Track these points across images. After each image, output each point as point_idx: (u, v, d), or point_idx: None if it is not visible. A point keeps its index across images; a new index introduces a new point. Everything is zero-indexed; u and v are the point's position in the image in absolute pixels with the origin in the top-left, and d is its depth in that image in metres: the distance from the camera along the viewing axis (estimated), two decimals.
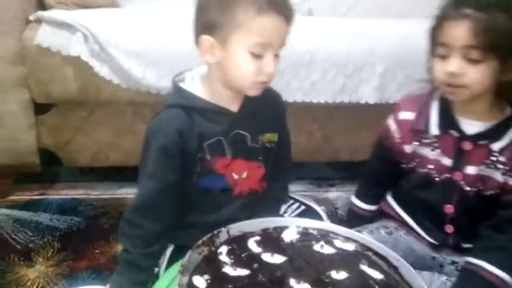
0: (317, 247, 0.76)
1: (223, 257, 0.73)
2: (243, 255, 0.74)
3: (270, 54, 0.81)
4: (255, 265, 0.71)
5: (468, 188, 0.93)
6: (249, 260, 0.73)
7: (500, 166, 0.91)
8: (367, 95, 1.32)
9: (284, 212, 0.98)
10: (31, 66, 1.25)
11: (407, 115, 0.99)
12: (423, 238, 0.99)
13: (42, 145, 1.36)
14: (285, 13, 0.80)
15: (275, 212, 0.95)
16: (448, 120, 0.94)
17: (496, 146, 0.90)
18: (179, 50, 1.16)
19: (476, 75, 0.84)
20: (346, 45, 1.31)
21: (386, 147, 1.04)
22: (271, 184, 0.97)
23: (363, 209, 1.10)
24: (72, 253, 1.11)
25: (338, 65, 1.31)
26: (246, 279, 0.68)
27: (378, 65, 1.30)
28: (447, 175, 0.94)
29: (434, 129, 0.95)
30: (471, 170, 0.92)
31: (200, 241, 0.74)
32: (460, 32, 0.83)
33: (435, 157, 0.95)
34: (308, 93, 1.32)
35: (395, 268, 0.71)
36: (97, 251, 1.12)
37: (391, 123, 1.03)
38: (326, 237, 0.78)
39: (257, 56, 0.81)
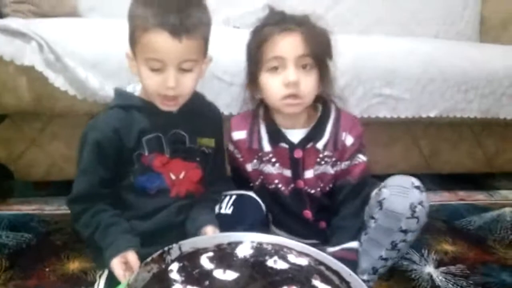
0: (270, 262, 0.75)
1: (174, 275, 0.71)
2: (194, 272, 0.72)
3: (170, 69, 0.83)
4: (206, 282, 0.70)
5: (313, 191, 1.00)
6: (201, 277, 0.71)
7: (328, 160, 0.98)
8: None
9: (220, 208, 0.98)
10: None
11: (240, 135, 1.03)
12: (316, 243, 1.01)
13: None
14: (175, 32, 0.80)
15: (210, 213, 0.96)
16: (276, 134, 0.99)
17: (320, 144, 0.98)
18: None
19: (310, 83, 0.92)
20: None
21: (237, 168, 1.06)
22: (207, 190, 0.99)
23: None
24: (20, 272, 1.05)
25: None
26: None
27: (337, 80, 1.31)
28: (292, 185, 1.01)
29: (267, 146, 1.00)
30: (309, 174, 0.99)
31: (149, 259, 0.72)
32: (293, 43, 0.90)
33: (277, 171, 1.00)
34: None
35: (347, 283, 0.71)
36: (47, 269, 1.07)
37: (229, 145, 1.06)
38: (279, 252, 0.78)
39: (157, 70, 0.83)
